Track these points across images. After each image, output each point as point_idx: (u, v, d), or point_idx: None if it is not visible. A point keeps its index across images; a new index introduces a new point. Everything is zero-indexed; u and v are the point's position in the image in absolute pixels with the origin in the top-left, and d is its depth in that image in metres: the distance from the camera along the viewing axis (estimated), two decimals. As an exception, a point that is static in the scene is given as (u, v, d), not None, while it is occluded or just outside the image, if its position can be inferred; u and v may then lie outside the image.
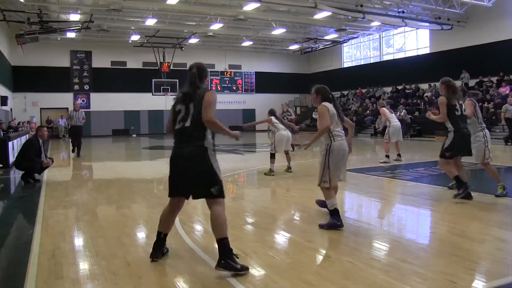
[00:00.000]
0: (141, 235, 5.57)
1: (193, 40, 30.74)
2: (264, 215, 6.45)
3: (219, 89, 36.33)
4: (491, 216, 6.25)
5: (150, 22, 24.52)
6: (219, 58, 36.08)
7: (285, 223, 6.10)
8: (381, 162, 12.20)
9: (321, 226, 5.47)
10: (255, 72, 37.63)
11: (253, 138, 28.65)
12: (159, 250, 4.37)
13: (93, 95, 32.03)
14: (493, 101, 22.27)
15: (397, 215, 6.84)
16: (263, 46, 35.36)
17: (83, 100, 31.17)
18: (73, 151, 15.98)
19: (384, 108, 12.91)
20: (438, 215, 6.53)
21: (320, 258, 4.56)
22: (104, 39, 30.25)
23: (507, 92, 22.01)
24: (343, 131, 5.62)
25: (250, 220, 6.36)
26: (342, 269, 4.14)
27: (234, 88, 37.17)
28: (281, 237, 5.37)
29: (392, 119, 12.72)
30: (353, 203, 7.67)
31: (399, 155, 12.78)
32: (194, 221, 6.10)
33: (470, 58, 25.05)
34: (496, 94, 22.56)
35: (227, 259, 3.94)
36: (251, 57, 37.09)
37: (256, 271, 4.10)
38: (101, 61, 32.14)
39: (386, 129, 12.80)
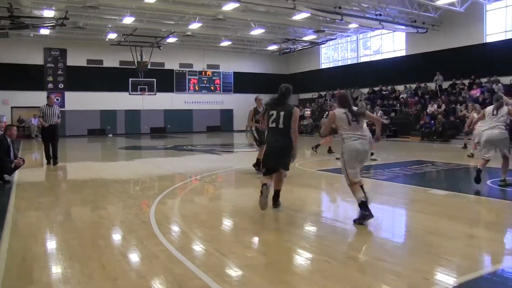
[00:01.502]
0: (117, 236, 5.48)
1: (171, 39, 30.50)
2: (242, 215, 6.45)
3: (197, 89, 36.18)
4: (463, 214, 6.38)
5: (128, 20, 24.24)
6: (198, 58, 35.92)
7: (263, 223, 6.11)
8: (371, 159, 12.30)
9: (354, 221, 5.78)
10: (234, 72, 37.56)
11: (231, 138, 28.59)
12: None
13: (68, 94, 31.34)
14: (465, 103, 22.69)
15: (374, 215, 6.90)
16: (241, 46, 35.33)
17: (57, 99, 30.57)
18: (48, 162, 12.83)
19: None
20: (412, 214, 6.64)
21: (297, 258, 4.58)
22: (79, 37, 29.66)
23: (478, 94, 22.49)
24: (358, 132, 5.99)
25: (227, 220, 6.37)
26: (319, 268, 4.18)
27: (212, 88, 37.03)
28: (259, 237, 5.38)
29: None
30: (330, 203, 7.73)
31: (372, 154, 12.91)
32: (171, 222, 6.05)
33: (444, 61, 25.53)
34: (468, 96, 23.01)
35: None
36: (229, 57, 37.01)
37: (234, 272, 4.11)
38: (76, 59, 31.55)
39: None
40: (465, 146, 16.86)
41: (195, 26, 26.17)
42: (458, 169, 11.76)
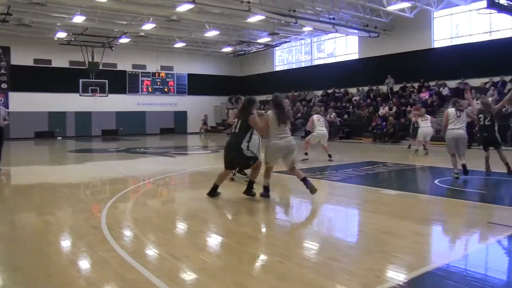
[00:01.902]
0: (65, 243, 5.27)
1: (124, 40, 29.91)
2: (196, 218, 6.39)
3: (150, 90, 35.68)
4: (412, 213, 6.56)
5: (78, 19, 23.51)
6: (151, 59, 35.42)
7: (217, 225, 6.08)
8: (301, 160, 12.48)
9: (260, 195, 7.38)
10: (188, 73, 37.29)
11: (184, 141, 28.35)
12: None
13: (12, 95, 29.78)
14: (414, 105, 23.39)
15: (327, 215, 7.01)
16: (196, 48, 35.09)
17: (0, 100, 29.21)
18: None
19: (313, 117, 13.70)
20: (364, 214, 6.76)
21: (252, 259, 4.57)
22: (25, 35, 28.34)
23: (427, 97, 23.27)
24: (284, 133, 7.31)
25: (181, 223, 6.29)
26: (274, 269, 4.18)
27: (166, 89, 36.59)
28: (213, 240, 5.35)
29: (318, 127, 13.47)
30: (284, 204, 7.77)
31: (329, 155, 13.26)
32: (123, 226, 5.89)
33: (395, 64, 26.31)
34: (417, 99, 23.77)
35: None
36: (183, 58, 36.70)
37: (187, 275, 4.05)
38: (22, 58, 30.15)
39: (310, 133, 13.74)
40: (409, 147, 17.49)
41: (148, 26, 25.79)
42: (408, 169, 12.10)
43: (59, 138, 30.53)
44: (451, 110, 9.80)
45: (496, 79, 21.78)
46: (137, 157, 16.98)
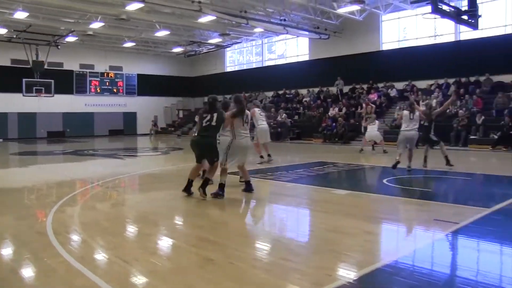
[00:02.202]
0: (6, 251, 4.99)
1: (70, 38, 28.87)
2: (145, 221, 6.27)
3: (99, 91, 34.82)
4: (361, 211, 6.69)
5: (20, 15, 22.32)
6: (99, 59, 34.55)
7: (167, 228, 5.99)
8: (258, 163, 12.47)
9: (211, 194, 7.54)
10: (137, 74, 36.65)
11: (134, 142, 27.85)
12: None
13: None
14: (363, 103, 23.99)
15: (278, 216, 7.05)
16: (146, 48, 34.53)
17: None
18: None
19: (254, 109, 12.76)
20: (315, 213, 6.85)
21: (203, 261, 4.52)
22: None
23: (376, 98, 23.88)
24: (247, 132, 7.97)
25: (131, 226, 6.15)
26: (225, 271, 4.16)
27: (115, 90, 35.81)
28: (163, 243, 5.26)
29: (260, 121, 12.84)
30: (235, 206, 7.75)
31: (269, 155, 13.13)
32: (70, 231, 5.68)
33: (345, 66, 26.85)
34: (366, 100, 24.33)
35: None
36: (133, 58, 36.03)
37: (138, 279, 3.97)
38: (-45, 55, 28.72)
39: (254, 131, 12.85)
40: (361, 150, 17.44)
41: (96, 25, 25.07)
42: (358, 169, 12.36)
43: (0, 140, 29.21)
44: (405, 112, 10.96)
45: (441, 81, 22.66)
46: (85, 160, 16.52)
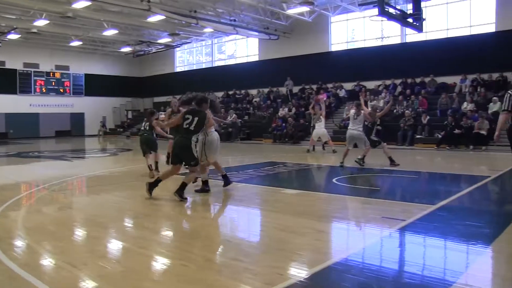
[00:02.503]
0: None
1: (13, 36, 27.67)
2: (94, 224, 6.12)
3: (44, 91, 33.70)
4: (312, 210, 6.78)
5: (-46, 10, 21.26)
6: (45, 58, 33.42)
7: (116, 230, 5.86)
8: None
9: (196, 191, 8.10)
10: (85, 74, 35.71)
11: (82, 143, 27.12)
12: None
13: None
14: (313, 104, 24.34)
15: (228, 216, 7.05)
16: (93, 47, 33.70)
17: None
18: None
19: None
20: (266, 213, 6.89)
21: (153, 263, 4.46)
22: None
23: (325, 99, 24.24)
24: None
25: (79, 230, 5.97)
26: (176, 272, 4.12)
27: (62, 90, 34.75)
28: (113, 246, 5.14)
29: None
30: (186, 206, 7.68)
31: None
32: (14, 236, 5.42)
33: (294, 67, 27.17)
34: (312, 101, 24.70)
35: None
36: (80, 58, 35.07)
37: (86, 284, 3.87)
38: None
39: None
40: (309, 150, 17.35)
41: (41, 23, 24.18)
42: (307, 169, 12.53)
43: None
44: (352, 112, 11.75)
45: (388, 82, 23.32)
46: (30, 162, 15.93)
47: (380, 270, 4.17)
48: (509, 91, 7.04)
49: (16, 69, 32.31)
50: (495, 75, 20.18)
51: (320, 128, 16.59)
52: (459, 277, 3.91)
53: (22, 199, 8.02)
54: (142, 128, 11.00)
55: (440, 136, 18.28)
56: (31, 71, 33.04)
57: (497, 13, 20.50)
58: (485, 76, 20.48)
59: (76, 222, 6.39)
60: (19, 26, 25.41)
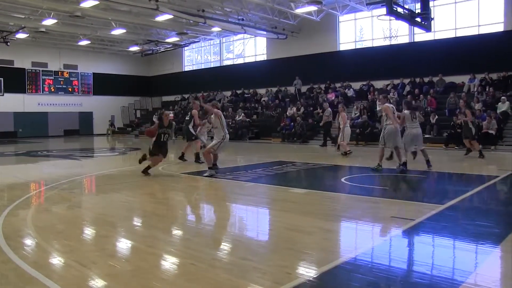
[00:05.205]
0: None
1: (21, 35, 27.85)
2: (103, 223, 6.15)
3: (53, 90, 33.90)
4: (320, 210, 6.76)
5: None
6: (53, 57, 33.61)
7: (125, 229, 5.87)
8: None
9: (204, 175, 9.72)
10: (93, 73, 35.87)
11: (90, 143, 27.25)
12: None
13: None
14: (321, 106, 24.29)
15: (238, 215, 7.05)
16: (101, 46, 33.85)
17: None
18: None
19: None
20: (274, 213, 6.88)
21: (162, 263, 4.47)
22: None
23: (333, 98, 24.23)
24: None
25: (88, 229, 6.00)
26: (185, 271, 4.13)
27: (70, 89, 34.95)
28: (122, 245, 5.16)
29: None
30: (194, 206, 7.71)
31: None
32: (23, 235, 5.46)
33: (302, 66, 27.14)
34: (325, 99, 24.67)
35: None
36: (88, 57, 35.24)
37: (96, 283, 3.87)
38: None
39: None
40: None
41: (49, 22, 24.30)
42: (316, 168, 12.50)
43: None
44: (406, 112, 10.85)
45: (397, 81, 23.23)
46: (38, 161, 16.03)
47: (389, 270, 4.16)
48: None
49: (25, 68, 32.52)
50: (503, 75, 20.04)
51: (349, 129, 15.50)
52: (468, 277, 3.89)
53: (31, 198, 8.08)
54: None
55: (446, 134, 18.10)
56: (39, 70, 33.23)
57: (506, 12, 20.37)
58: (494, 76, 20.35)
59: (85, 221, 6.42)
60: (28, 26, 25.55)
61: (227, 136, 10.32)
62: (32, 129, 31.91)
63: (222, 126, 10.12)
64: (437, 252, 4.83)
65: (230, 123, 24.64)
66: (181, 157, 13.31)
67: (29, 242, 5.21)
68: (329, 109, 19.67)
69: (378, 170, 10.62)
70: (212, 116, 10.40)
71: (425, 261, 4.50)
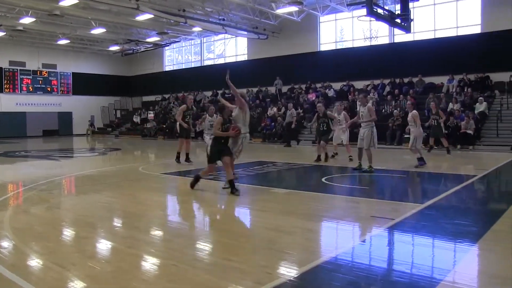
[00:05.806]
0: None
1: (-2, 34, 27.41)
2: (83, 224, 6.08)
3: (31, 89, 33.39)
4: (301, 210, 6.79)
5: None
6: (31, 56, 33.08)
7: (105, 230, 5.82)
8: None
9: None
10: (72, 72, 35.43)
11: (70, 143, 26.92)
12: None
13: None
14: (302, 106, 24.37)
15: (218, 216, 7.04)
16: (81, 46, 33.46)
17: None
18: None
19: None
20: (255, 213, 6.89)
21: (143, 263, 4.45)
22: None
23: (314, 98, 24.33)
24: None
25: (67, 230, 5.93)
26: (166, 272, 4.12)
27: (49, 89, 34.47)
28: (102, 246, 5.11)
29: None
30: (174, 206, 7.68)
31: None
32: (1, 237, 5.35)
33: (283, 66, 27.22)
34: (305, 100, 24.78)
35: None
36: (67, 56, 34.80)
37: (75, 284, 3.84)
38: None
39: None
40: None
41: (27, 20, 23.91)
42: (296, 168, 12.55)
43: None
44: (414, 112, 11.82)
45: (377, 82, 23.44)
46: (16, 162, 15.78)
47: (369, 269, 4.20)
48: None
49: (2, 67, 31.98)
50: (481, 76, 20.38)
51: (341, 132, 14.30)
52: (447, 275, 3.95)
53: (8, 199, 7.95)
54: None
55: (425, 134, 18.28)
56: (17, 69, 32.71)
57: (483, 14, 20.73)
58: (472, 77, 20.67)
59: (65, 222, 6.34)
60: (5, 24, 24.99)
61: (248, 135, 8.91)
62: (9, 129, 31.35)
63: (245, 122, 8.64)
64: (416, 251, 4.90)
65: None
66: (187, 159, 13.01)
67: (6, 244, 5.11)
68: (294, 109, 20.05)
69: (371, 172, 10.44)
70: (235, 109, 8.87)
71: (405, 260, 4.56)
